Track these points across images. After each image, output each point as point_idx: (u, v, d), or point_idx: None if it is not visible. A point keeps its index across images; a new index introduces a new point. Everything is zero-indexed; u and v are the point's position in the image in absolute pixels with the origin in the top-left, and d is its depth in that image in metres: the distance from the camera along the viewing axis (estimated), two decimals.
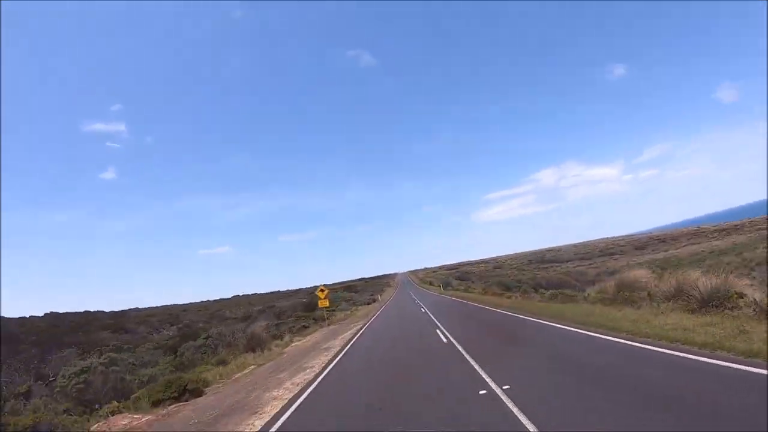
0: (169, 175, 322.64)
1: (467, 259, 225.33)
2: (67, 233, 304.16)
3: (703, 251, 56.70)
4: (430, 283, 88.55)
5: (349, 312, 39.47)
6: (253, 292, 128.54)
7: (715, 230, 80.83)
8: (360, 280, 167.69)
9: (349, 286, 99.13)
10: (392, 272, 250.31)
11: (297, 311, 57.35)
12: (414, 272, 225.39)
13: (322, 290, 25.70)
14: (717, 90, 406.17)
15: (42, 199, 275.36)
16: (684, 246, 69.13)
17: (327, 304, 26.47)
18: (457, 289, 47.01)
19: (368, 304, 48.32)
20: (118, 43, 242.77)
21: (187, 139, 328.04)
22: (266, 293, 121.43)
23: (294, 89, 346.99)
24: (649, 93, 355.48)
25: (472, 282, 51.73)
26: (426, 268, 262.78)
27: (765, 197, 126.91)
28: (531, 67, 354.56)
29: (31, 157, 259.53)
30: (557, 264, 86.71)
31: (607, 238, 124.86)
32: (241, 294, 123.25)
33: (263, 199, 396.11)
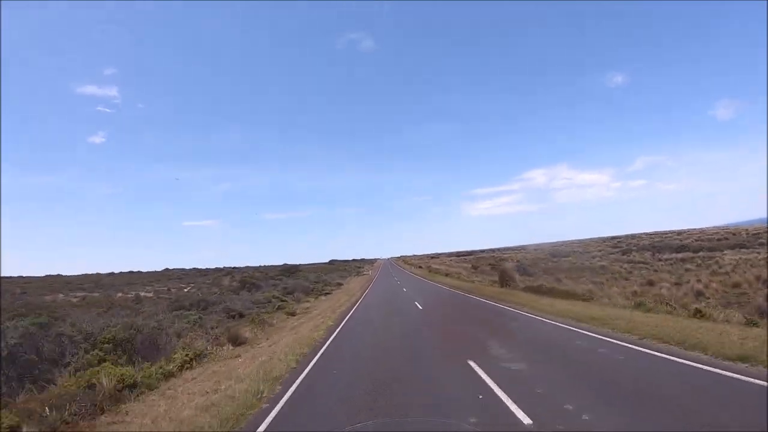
0: (157, 144, 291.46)
1: (465, 249, 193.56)
2: (51, 195, 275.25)
3: None
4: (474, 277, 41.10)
5: None
6: (202, 267, 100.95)
7: None
8: (330, 263, 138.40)
9: (287, 270, 66.88)
10: (373, 257, 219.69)
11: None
12: (403, 258, 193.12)
13: None
14: (714, 107, 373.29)
15: (28, 160, 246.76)
16: None
17: None
18: None
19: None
20: (116, 5, 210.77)
21: (179, 109, 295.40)
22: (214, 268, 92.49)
23: (292, 68, 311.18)
24: (646, 104, 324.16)
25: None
26: (415, 255, 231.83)
27: (759, 216, 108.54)
28: (529, 72, 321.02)
29: (21, 117, 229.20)
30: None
31: (625, 234, 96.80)
32: (171, 267, 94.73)
33: (250, 176, 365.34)
